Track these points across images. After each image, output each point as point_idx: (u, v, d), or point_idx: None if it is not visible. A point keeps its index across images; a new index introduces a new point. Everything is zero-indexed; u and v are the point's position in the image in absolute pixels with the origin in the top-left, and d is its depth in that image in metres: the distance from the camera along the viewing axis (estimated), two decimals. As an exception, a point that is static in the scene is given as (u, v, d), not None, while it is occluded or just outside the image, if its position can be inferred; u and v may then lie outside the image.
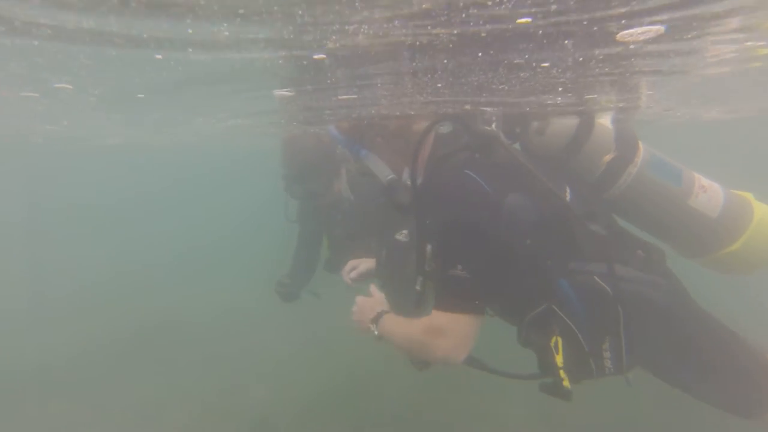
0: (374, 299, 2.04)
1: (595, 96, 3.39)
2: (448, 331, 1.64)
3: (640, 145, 1.96)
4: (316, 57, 2.25)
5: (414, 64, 2.31)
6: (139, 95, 4.03)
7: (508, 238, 1.70)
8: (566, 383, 1.62)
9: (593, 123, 1.96)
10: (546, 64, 2.37)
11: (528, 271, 1.75)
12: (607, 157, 1.90)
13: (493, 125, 1.94)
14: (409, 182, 1.85)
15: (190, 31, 1.93)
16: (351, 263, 2.60)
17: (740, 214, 1.94)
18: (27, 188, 23.42)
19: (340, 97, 3.07)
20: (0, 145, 10.59)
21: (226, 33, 1.94)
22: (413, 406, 4.75)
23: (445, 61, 2.23)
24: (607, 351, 1.73)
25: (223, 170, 22.61)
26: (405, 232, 2.45)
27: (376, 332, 1.90)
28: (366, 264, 2.59)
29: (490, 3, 1.52)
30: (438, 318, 1.65)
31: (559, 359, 1.66)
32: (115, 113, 6.02)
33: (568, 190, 1.89)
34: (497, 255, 1.68)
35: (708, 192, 1.94)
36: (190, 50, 2.27)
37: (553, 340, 1.68)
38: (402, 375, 2.00)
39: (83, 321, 8.07)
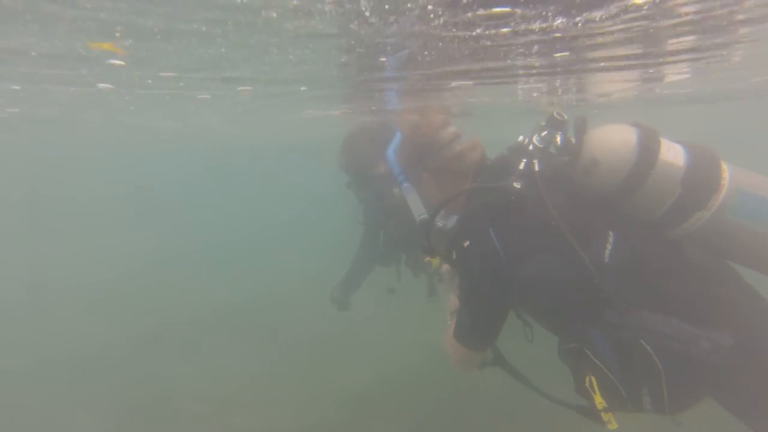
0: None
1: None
2: (451, 351, 1.93)
3: (725, 179, 1.60)
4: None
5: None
6: (302, 88, 4.30)
7: (522, 302, 1.76)
8: (612, 426, 1.61)
9: (653, 161, 1.63)
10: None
11: (553, 321, 1.78)
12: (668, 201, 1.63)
13: (535, 164, 1.75)
14: (440, 224, 1.90)
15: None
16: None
17: None
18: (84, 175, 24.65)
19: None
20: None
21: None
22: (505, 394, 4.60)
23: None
24: (647, 396, 1.62)
25: (295, 161, 23.07)
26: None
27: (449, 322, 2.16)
28: None
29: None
30: (449, 337, 1.92)
31: (598, 400, 1.61)
32: (237, 106, 6.36)
33: (611, 236, 1.69)
34: (500, 315, 1.80)
35: None
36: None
37: (588, 379, 1.64)
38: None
39: (159, 302, 7.96)
